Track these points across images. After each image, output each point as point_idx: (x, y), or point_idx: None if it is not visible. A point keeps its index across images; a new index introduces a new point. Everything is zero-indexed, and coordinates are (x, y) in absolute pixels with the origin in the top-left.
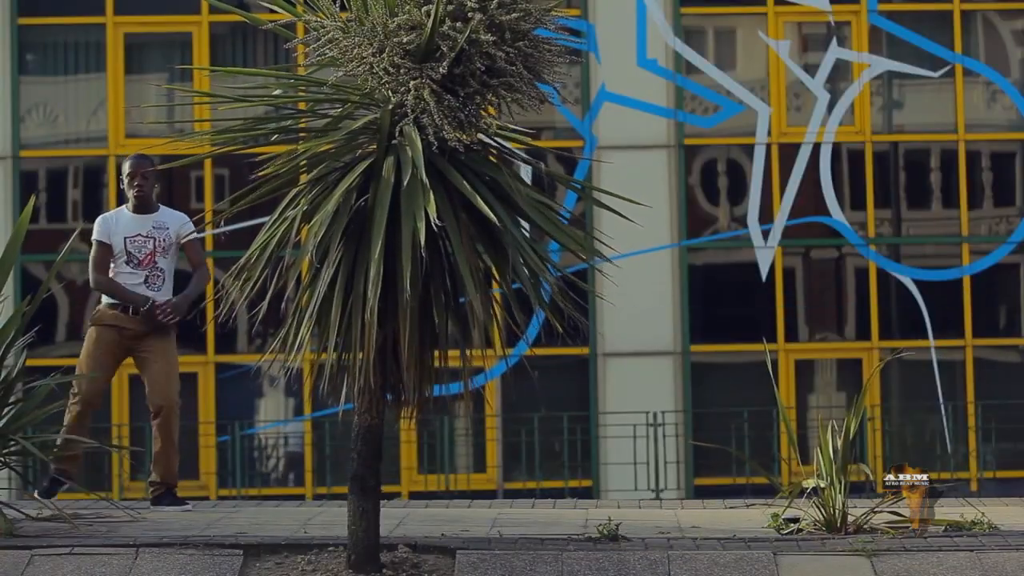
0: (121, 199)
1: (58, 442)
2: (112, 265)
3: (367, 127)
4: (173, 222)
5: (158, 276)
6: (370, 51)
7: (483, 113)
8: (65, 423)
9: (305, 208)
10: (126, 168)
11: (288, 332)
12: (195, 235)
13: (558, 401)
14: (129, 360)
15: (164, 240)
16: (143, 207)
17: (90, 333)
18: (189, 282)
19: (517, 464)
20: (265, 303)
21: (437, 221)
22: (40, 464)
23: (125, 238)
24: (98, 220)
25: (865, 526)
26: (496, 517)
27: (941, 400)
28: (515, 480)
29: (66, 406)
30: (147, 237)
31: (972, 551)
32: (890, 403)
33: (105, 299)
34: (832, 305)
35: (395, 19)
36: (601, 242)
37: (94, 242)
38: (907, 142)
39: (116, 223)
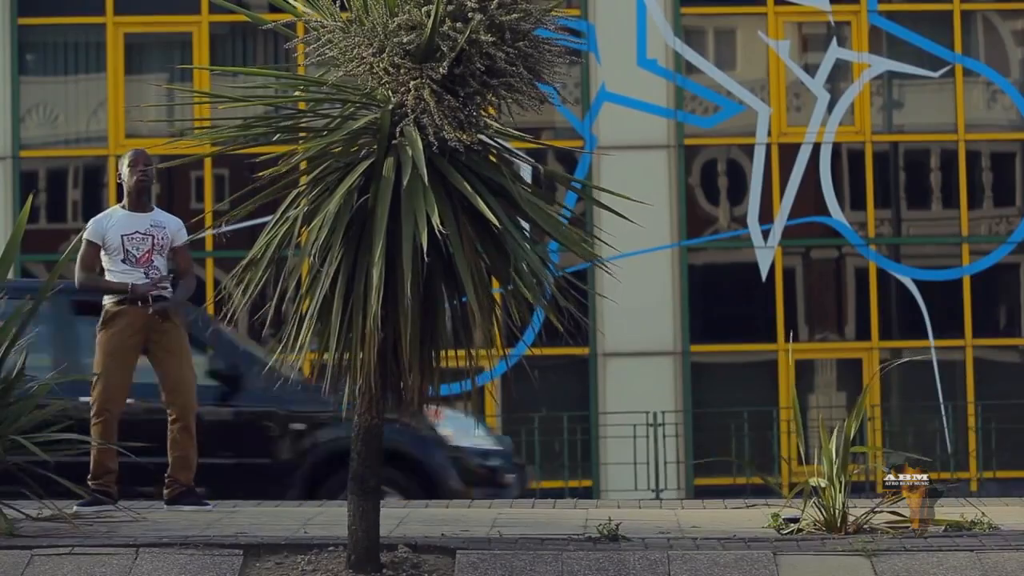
0: (120, 198)
1: (91, 465)
2: (109, 264)
3: (367, 127)
4: (170, 223)
5: (156, 273)
6: (370, 51)
7: (483, 113)
8: (93, 441)
9: (306, 209)
10: (127, 160)
11: (289, 333)
12: (187, 241)
13: (558, 401)
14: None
15: (162, 239)
16: (140, 202)
17: (100, 339)
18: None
19: None
20: (271, 306)
21: (441, 229)
22: (40, 464)
23: (122, 236)
24: (91, 221)
25: (865, 526)
26: (496, 517)
27: (941, 400)
28: None
29: (64, 408)
30: (145, 235)
31: (972, 551)
32: (890, 403)
33: (108, 300)
34: (832, 305)
35: (395, 19)
36: (601, 241)
37: (84, 241)
38: (907, 142)
39: (110, 221)
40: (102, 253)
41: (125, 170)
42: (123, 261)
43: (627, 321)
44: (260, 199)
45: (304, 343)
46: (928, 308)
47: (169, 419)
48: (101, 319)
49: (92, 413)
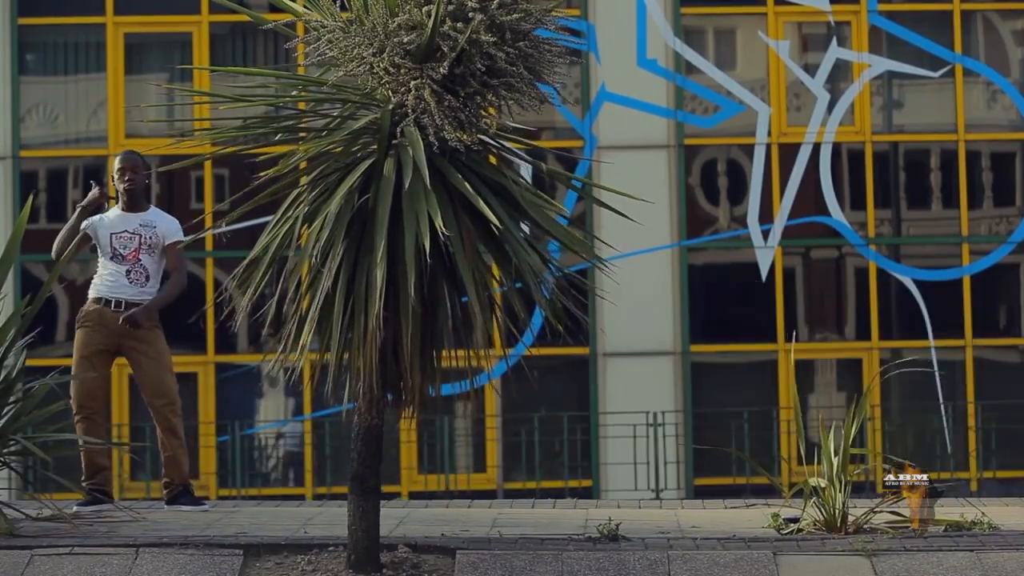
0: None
1: (83, 465)
2: (100, 260)
3: (367, 127)
4: (162, 223)
5: (141, 272)
6: (370, 51)
7: (483, 113)
8: (80, 440)
9: (306, 209)
10: (117, 163)
11: (290, 333)
12: (180, 241)
13: (558, 401)
14: (124, 360)
15: (150, 238)
16: (132, 204)
17: (77, 336)
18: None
19: (517, 464)
20: (272, 307)
21: (444, 231)
22: (40, 464)
23: (111, 234)
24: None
25: (865, 526)
26: (496, 517)
27: (941, 400)
28: (515, 480)
29: (67, 407)
30: (133, 234)
31: (972, 551)
32: (890, 403)
33: (91, 293)
34: (832, 305)
35: (395, 19)
36: (602, 241)
37: None
38: (907, 142)
39: (102, 220)
40: (98, 246)
41: (115, 174)
42: (111, 259)
43: (627, 321)
44: (260, 200)
45: (305, 344)
46: (928, 308)
47: (154, 420)
48: (78, 317)
49: (73, 413)
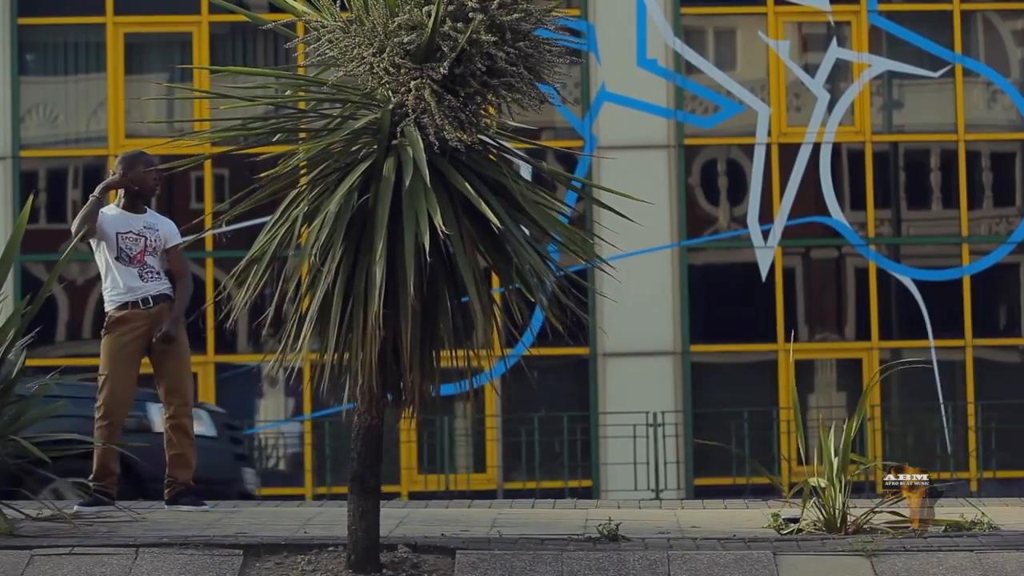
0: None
1: (94, 467)
2: (104, 259)
3: (368, 127)
4: (163, 226)
5: (150, 272)
6: (370, 51)
7: (483, 113)
8: (96, 444)
9: (306, 209)
10: (140, 161)
11: (289, 333)
12: (181, 243)
13: (558, 401)
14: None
15: (154, 240)
16: (136, 205)
17: (105, 343)
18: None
19: (517, 464)
20: (271, 308)
21: (444, 230)
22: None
23: (118, 233)
24: None
25: (865, 526)
26: (496, 517)
27: (941, 400)
28: (515, 480)
29: (66, 407)
30: (138, 235)
31: (972, 551)
32: (890, 403)
33: (112, 304)
34: (832, 305)
35: (395, 19)
36: (602, 239)
37: None
38: (907, 142)
39: (103, 215)
40: (102, 245)
41: (138, 172)
42: (117, 259)
43: (627, 321)
44: (260, 199)
45: (304, 343)
46: (928, 308)
47: (164, 416)
48: (105, 324)
49: (98, 416)
